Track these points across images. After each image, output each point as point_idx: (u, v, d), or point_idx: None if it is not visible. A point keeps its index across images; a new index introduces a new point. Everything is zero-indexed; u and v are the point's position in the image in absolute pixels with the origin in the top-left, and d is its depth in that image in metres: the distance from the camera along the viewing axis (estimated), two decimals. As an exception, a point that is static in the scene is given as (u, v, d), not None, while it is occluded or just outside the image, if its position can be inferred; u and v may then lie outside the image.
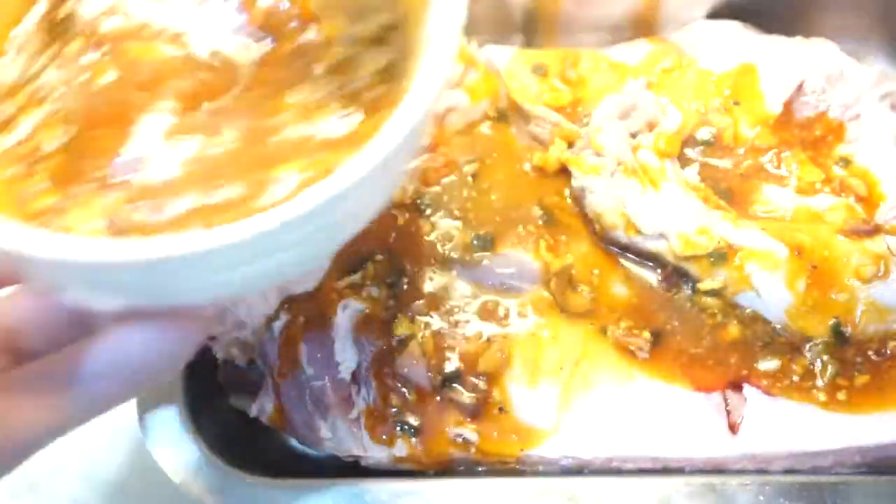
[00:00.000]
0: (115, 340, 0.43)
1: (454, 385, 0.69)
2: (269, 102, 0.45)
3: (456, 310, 0.72)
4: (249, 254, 0.39)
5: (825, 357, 0.70)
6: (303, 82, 0.45)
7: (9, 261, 0.39)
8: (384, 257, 0.73)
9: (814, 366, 0.70)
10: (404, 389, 0.70)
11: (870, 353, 0.70)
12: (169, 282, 0.41)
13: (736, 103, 0.82)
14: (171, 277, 0.40)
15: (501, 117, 0.81)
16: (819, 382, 0.70)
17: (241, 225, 0.37)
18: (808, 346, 0.71)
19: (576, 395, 0.69)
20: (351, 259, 0.73)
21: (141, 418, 0.70)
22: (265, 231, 0.37)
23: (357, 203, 0.41)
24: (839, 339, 0.70)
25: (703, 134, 0.81)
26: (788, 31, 0.88)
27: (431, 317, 0.71)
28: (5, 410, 0.41)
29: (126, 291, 0.41)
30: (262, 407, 0.73)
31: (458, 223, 0.75)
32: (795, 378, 0.70)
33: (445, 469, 0.70)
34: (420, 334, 0.70)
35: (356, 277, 0.72)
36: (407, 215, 0.75)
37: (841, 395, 0.69)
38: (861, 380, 0.69)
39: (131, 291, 0.41)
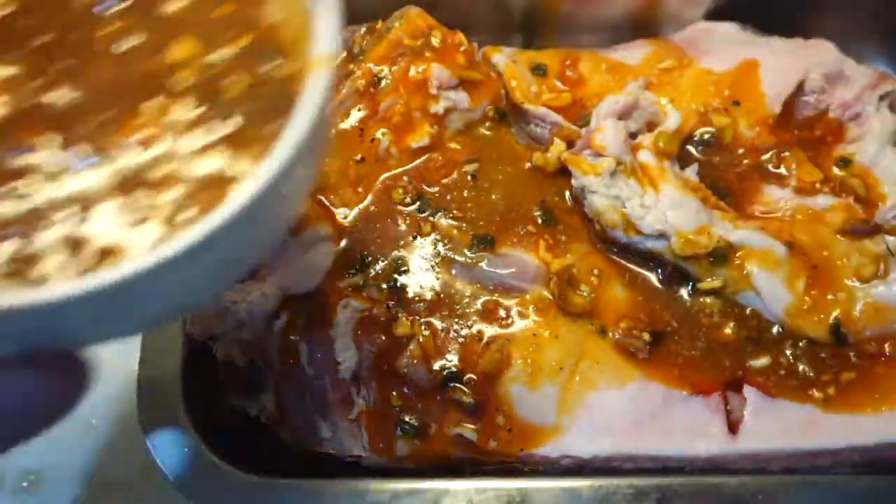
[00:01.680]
0: None
1: (454, 385, 0.69)
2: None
3: (456, 310, 0.72)
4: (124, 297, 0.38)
5: (819, 354, 0.70)
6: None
7: None
8: (385, 258, 0.73)
9: (804, 363, 0.70)
10: (404, 389, 0.70)
11: (867, 351, 0.71)
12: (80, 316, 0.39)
13: (736, 103, 0.82)
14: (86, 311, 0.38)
15: (501, 117, 0.81)
16: (809, 378, 0.70)
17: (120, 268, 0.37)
18: (802, 344, 0.71)
19: (576, 394, 0.69)
20: (352, 260, 0.73)
21: (141, 418, 0.70)
22: (137, 273, 0.37)
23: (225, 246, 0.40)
24: (838, 339, 0.70)
25: (703, 134, 0.81)
26: (788, 31, 0.88)
27: (431, 317, 0.71)
28: None
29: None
30: (262, 407, 0.73)
31: (458, 223, 0.75)
32: (782, 372, 0.70)
33: (445, 469, 0.70)
34: (420, 334, 0.70)
35: (357, 279, 0.73)
36: (408, 216, 0.75)
37: (830, 391, 0.69)
38: (847, 376, 0.70)
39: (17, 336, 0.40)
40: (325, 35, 0.43)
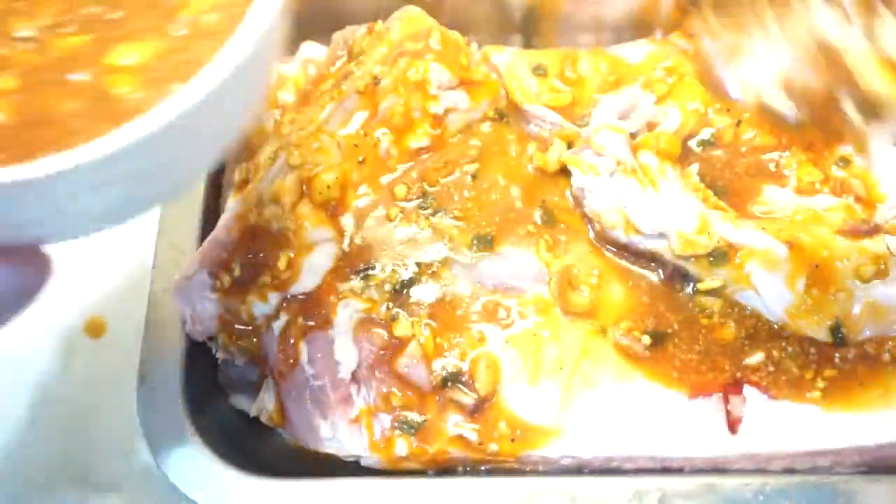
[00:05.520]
0: None
1: (454, 385, 0.69)
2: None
3: (456, 310, 0.72)
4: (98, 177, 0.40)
5: (818, 354, 0.70)
6: None
7: None
8: (384, 259, 0.73)
9: (804, 363, 0.70)
10: (405, 389, 0.70)
11: (867, 352, 0.71)
12: (24, 209, 0.41)
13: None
14: (28, 203, 0.40)
15: (501, 117, 0.81)
16: (809, 378, 0.70)
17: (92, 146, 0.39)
18: (802, 344, 0.71)
19: (576, 394, 0.69)
20: (352, 261, 0.73)
21: (141, 418, 0.70)
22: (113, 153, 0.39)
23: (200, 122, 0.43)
24: (838, 339, 0.70)
25: (703, 134, 0.81)
26: (788, 31, 0.88)
27: (431, 317, 0.71)
28: None
29: None
30: (262, 407, 0.73)
31: (459, 223, 0.75)
32: (782, 372, 0.70)
33: (445, 469, 0.70)
34: (420, 335, 0.70)
35: (357, 279, 0.72)
36: (407, 216, 0.75)
37: (830, 390, 0.69)
38: (847, 376, 0.70)
39: None
40: None
